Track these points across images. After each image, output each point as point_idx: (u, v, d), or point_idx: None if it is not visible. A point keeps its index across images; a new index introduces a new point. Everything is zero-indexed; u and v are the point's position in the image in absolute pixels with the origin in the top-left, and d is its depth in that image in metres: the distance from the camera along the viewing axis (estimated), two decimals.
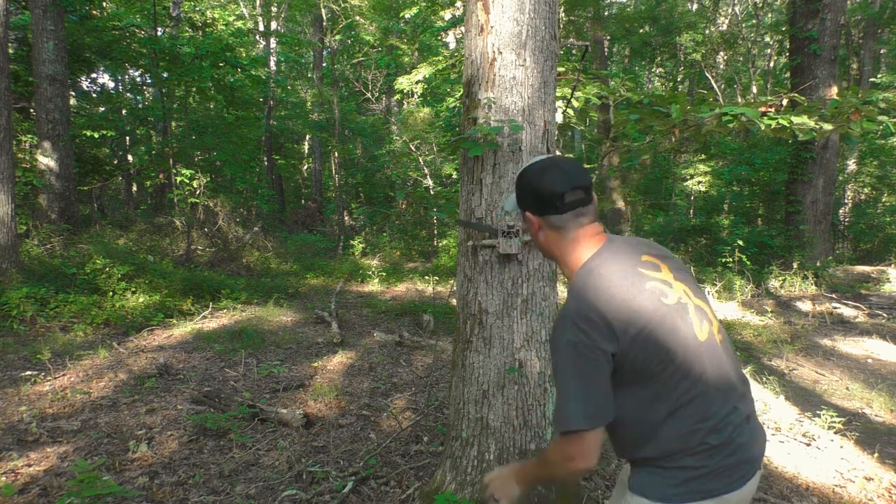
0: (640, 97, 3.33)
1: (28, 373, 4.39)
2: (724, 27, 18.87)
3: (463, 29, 2.83)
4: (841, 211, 13.97)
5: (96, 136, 10.28)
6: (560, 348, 1.21)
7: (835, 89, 9.02)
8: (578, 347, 1.18)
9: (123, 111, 13.58)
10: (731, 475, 1.22)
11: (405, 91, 11.55)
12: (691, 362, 1.22)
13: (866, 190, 15.10)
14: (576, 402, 1.18)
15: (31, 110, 9.70)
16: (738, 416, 1.25)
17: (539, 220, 1.35)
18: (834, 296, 7.97)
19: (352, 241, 12.43)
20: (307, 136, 19.97)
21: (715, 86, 17.30)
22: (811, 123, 2.71)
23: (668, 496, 1.22)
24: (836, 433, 3.53)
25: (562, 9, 12.48)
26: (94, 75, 14.58)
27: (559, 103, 3.61)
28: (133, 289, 6.68)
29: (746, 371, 4.76)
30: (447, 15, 13.25)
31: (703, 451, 1.21)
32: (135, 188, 16.42)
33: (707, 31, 17.77)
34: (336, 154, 15.34)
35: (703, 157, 14.59)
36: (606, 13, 15.34)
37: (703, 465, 1.21)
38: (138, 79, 15.31)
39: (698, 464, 1.21)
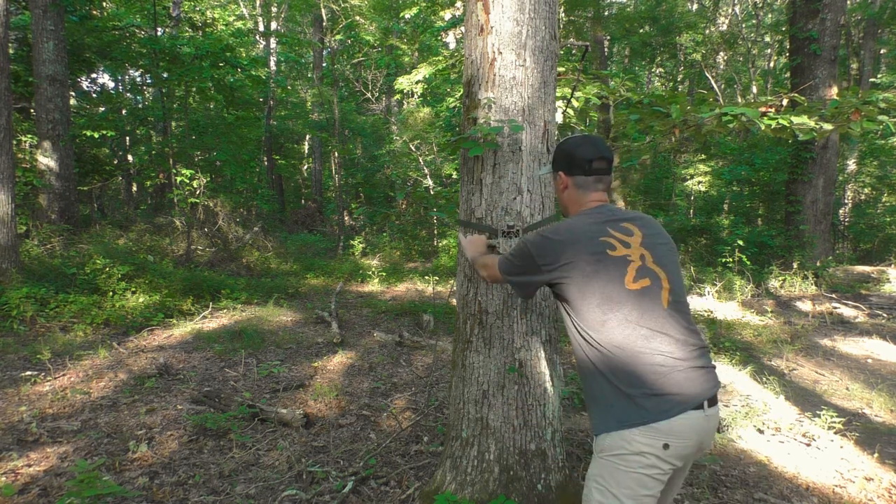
0: (640, 97, 3.33)
1: (28, 373, 4.39)
2: (724, 27, 18.87)
3: (463, 29, 2.83)
4: (841, 211, 13.97)
5: (96, 136, 10.28)
6: (526, 242, 1.68)
7: (835, 89, 9.02)
8: (528, 253, 1.65)
9: (123, 111, 13.58)
10: (656, 407, 1.43)
11: (405, 91, 11.55)
12: (612, 302, 1.50)
13: (866, 190, 15.11)
14: (510, 267, 1.75)
15: (31, 110, 9.70)
16: (661, 355, 1.46)
17: (568, 179, 1.73)
18: (834, 296, 7.97)
19: (352, 241, 12.43)
20: (307, 136, 19.97)
21: (715, 86, 17.30)
22: (811, 123, 2.71)
23: (609, 427, 1.48)
24: (836, 433, 3.53)
25: (562, 9, 12.48)
26: (94, 75, 14.59)
27: (559, 103, 3.61)
28: (133, 289, 6.68)
29: (746, 371, 4.76)
30: (447, 15, 13.25)
31: (627, 382, 1.46)
32: (135, 188, 16.43)
33: (707, 31, 17.77)
34: (336, 154, 15.34)
35: (703, 157, 14.59)
36: (606, 13, 15.35)
37: (627, 393, 1.45)
38: (138, 79, 15.31)
39: (624, 391, 1.46)
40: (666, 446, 1.42)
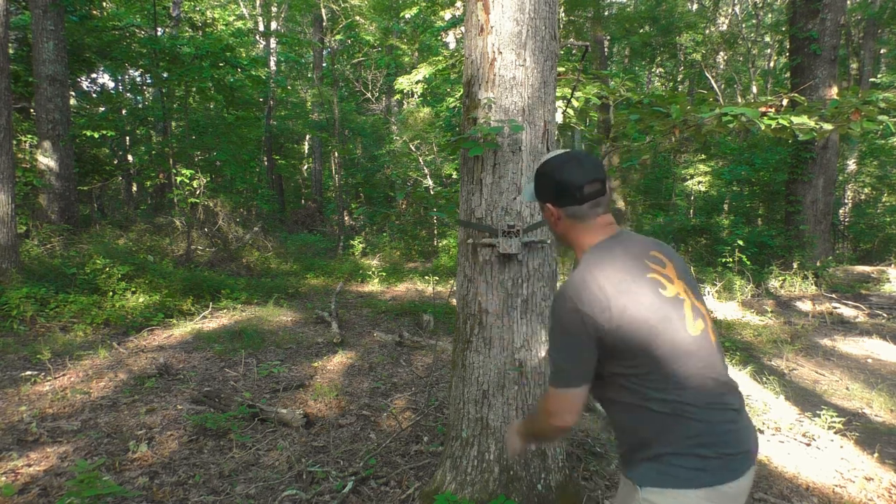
0: (640, 97, 3.33)
1: (28, 373, 4.39)
2: (724, 27, 18.88)
3: (463, 29, 2.83)
4: (841, 211, 13.97)
5: (96, 136, 10.28)
6: (558, 313, 1.32)
7: (835, 89, 9.02)
8: (574, 315, 1.29)
9: (123, 111, 13.58)
10: (726, 466, 1.27)
11: (405, 91, 11.55)
12: (681, 353, 1.28)
13: (866, 190, 15.11)
14: (564, 363, 1.33)
15: (31, 110, 9.70)
16: (729, 408, 1.31)
17: (559, 211, 1.43)
18: (834, 296, 7.97)
19: (352, 241, 12.43)
20: (307, 136, 19.98)
21: (715, 86, 17.30)
22: (811, 123, 2.71)
23: (666, 483, 1.27)
24: (836, 433, 3.53)
25: (562, 9, 12.49)
26: (94, 75, 14.59)
27: (559, 103, 3.61)
28: (133, 289, 6.68)
29: (746, 371, 4.76)
30: (447, 15, 13.26)
31: (698, 442, 1.27)
32: (135, 188, 16.43)
33: (707, 31, 17.78)
34: (336, 154, 15.34)
35: (703, 157, 14.59)
36: (606, 13, 15.35)
37: (699, 453, 1.26)
38: (138, 79, 15.31)
39: (695, 452, 1.26)
40: None
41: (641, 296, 1.28)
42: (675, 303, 1.32)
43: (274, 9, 18.79)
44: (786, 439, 3.49)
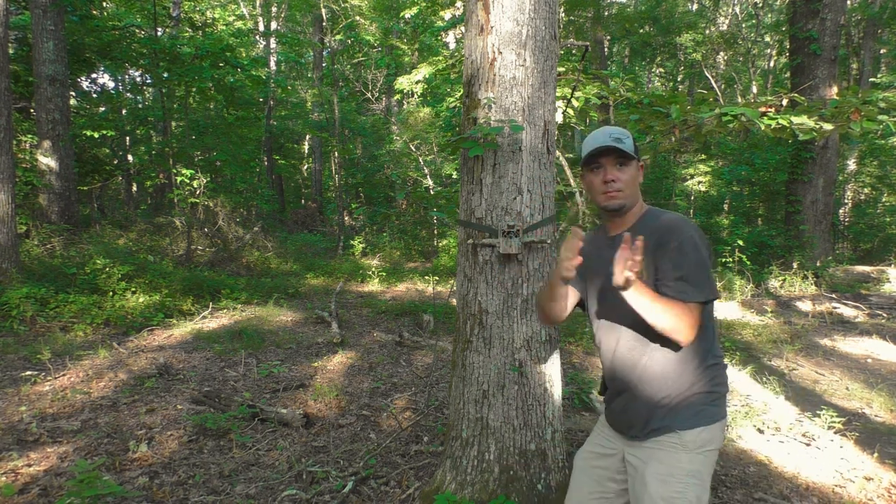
0: (640, 97, 3.33)
1: (28, 373, 4.39)
2: (724, 27, 18.88)
3: (463, 29, 2.83)
4: (841, 211, 13.97)
5: (96, 136, 10.28)
6: (700, 240, 1.51)
7: (835, 89, 9.03)
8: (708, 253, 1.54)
9: (123, 111, 13.57)
10: (726, 402, 1.62)
11: (405, 91, 11.55)
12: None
13: (866, 190, 15.12)
14: (712, 280, 1.52)
15: (31, 110, 9.70)
16: None
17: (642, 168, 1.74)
18: (834, 296, 7.96)
19: (352, 241, 12.43)
20: (307, 136, 19.98)
21: (715, 86, 17.29)
22: (811, 123, 2.71)
23: (703, 421, 1.53)
24: (836, 433, 3.53)
25: (562, 9, 12.48)
26: (94, 75, 14.58)
27: (559, 103, 3.61)
28: (133, 289, 6.67)
29: (746, 371, 4.76)
30: (447, 15, 13.25)
31: (724, 383, 1.60)
32: (135, 188, 16.43)
33: (707, 31, 17.78)
34: (336, 154, 15.34)
35: (703, 157, 14.59)
36: (606, 13, 15.35)
37: (723, 392, 1.60)
38: (138, 79, 15.31)
39: (722, 391, 1.59)
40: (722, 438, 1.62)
41: None
42: None
43: (274, 9, 18.79)
44: (786, 439, 3.49)
